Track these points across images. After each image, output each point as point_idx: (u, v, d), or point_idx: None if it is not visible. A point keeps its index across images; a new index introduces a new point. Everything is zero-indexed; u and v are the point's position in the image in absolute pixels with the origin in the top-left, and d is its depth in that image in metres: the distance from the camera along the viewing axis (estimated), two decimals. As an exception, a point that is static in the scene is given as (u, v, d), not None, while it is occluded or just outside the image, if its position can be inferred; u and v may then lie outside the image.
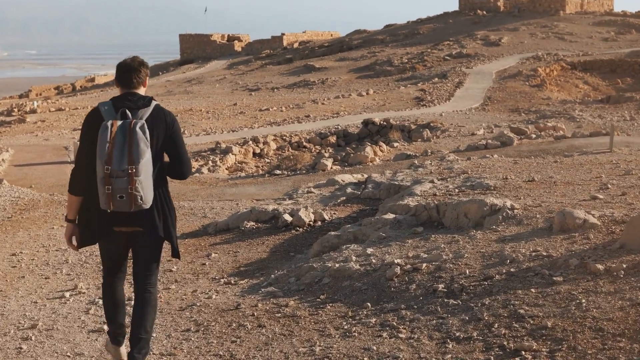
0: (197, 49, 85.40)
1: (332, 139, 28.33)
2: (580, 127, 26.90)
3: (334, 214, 12.59)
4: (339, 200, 13.39)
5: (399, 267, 7.54)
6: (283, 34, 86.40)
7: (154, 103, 5.52)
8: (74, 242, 5.74)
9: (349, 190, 13.93)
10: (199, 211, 15.22)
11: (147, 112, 5.45)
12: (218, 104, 44.33)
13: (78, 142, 5.72)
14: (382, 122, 28.79)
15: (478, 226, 9.13)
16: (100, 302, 7.92)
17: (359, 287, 7.51)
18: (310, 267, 8.43)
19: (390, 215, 10.10)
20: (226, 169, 24.36)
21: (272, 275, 9.05)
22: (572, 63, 52.54)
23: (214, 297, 8.31)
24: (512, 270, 7.04)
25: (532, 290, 6.45)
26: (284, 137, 28.83)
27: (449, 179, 12.55)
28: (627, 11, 76.33)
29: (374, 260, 8.06)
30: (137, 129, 5.26)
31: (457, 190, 11.27)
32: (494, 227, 8.79)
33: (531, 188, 10.93)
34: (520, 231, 8.45)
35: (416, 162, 17.09)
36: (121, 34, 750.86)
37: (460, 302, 6.56)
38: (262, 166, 25.44)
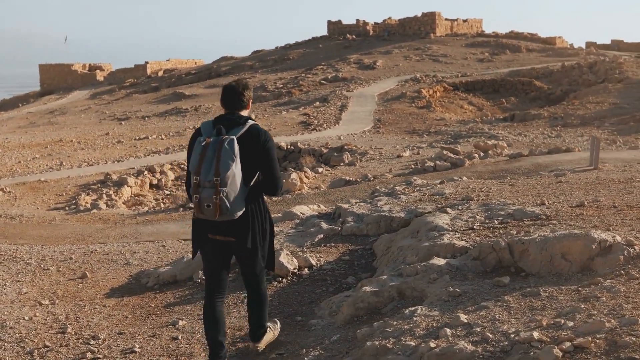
0: (57, 79, 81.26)
1: (235, 167, 25.35)
2: (511, 146, 24.81)
3: (320, 257, 9.72)
4: (316, 239, 10.51)
5: (554, 347, 4.74)
6: (147, 62, 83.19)
7: (250, 122, 5.83)
8: None
9: (324, 225, 11.05)
10: (119, 257, 12.07)
11: (241, 130, 5.74)
12: (88, 134, 40.72)
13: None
14: (289, 147, 26.04)
15: (586, 271, 6.48)
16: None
17: (500, 385, 4.71)
18: (381, 347, 5.53)
19: (441, 261, 7.29)
20: (123, 203, 21.05)
21: (306, 359, 6.10)
22: (454, 84, 51.48)
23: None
24: None
25: None
26: (182, 166, 25.68)
27: (461, 208, 9.88)
28: (499, 32, 76.33)
29: (489, 335, 5.25)
30: (226, 144, 5.58)
31: (496, 222, 8.61)
32: (621, 271, 6.15)
33: (599, 215, 8.38)
34: (672, 278, 5.83)
35: (379, 188, 14.36)
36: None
37: None
38: (162, 199, 22.24)
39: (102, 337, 7.61)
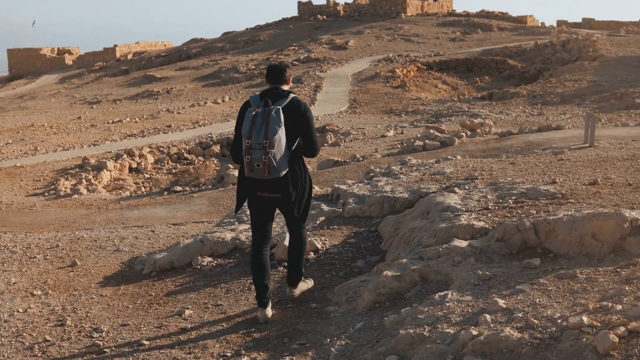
0: (26, 64, 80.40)
1: (216, 149, 24.97)
2: (495, 125, 24.57)
3: (325, 240, 9.38)
4: (318, 222, 10.17)
5: (609, 332, 4.46)
6: (116, 46, 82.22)
7: (291, 95, 6.72)
8: None
9: (324, 207, 10.71)
10: (107, 243, 11.70)
11: (285, 102, 6.64)
12: (60, 118, 40.03)
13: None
14: (269, 128, 25.59)
15: (619, 251, 6.23)
16: None
17: (554, 377, 4.42)
18: (417, 335, 5.22)
19: (462, 243, 6.99)
20: (103, 187, 20.58)
21: (332, 349, 5.77)
22: (428, 63, 51.29)
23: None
24: None
25: None
26: (161, 149, 25.22)
27: (468, 187, 9.60)
28: (470, 11, 76.13)
29: (534, 320, 4.96)
30: (273, 113, 6.49)
31: (511, 201, 8.32)
32: (658, 252, 5.88)
33: (617, 193, 8.12)
34: None
35: (374, 168, 14.04)
36: None
37: None
38: (143, 182, 21.80)
39: (105, 329, 7.24)
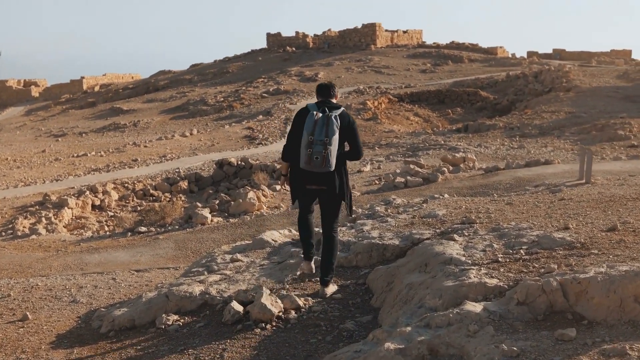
0: (-8, 96, 78.99)
1: (184, 185, 23.78)
2: (476, 158, 23.60)
3: (307, 296, 8.24)
4: (298, 273, 9.01)
5: None
6: (83, 78, 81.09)
7: (342, 109, 8.04)
8: (287, 187, 8.53)
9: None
10: (63, 293, 10.54)
11: (338, 112, 7.95)
12: (24, 151, 38.84)
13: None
14: (239, 162, 24.51)
15: (667, 320, 5.14)
16: None
17: None
18: None
19: (477, 306, 5.87)
20: (64, 226, 19.34)
21: None
22: (399, 95, 50.64)
23: None
24: None
25: None
26: (126, 185, 23.99)
27: (467, 233, 8.53)
28: (440, 43, 75.69)
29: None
30: (332, 118, 7.79)
31: (522, 252, 7.25)
32: None
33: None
34: None
35: (355, 208, 12.95)
36: None
37: None
38: (106, 220, 20.56)
39: (52, 414, 6.05)
